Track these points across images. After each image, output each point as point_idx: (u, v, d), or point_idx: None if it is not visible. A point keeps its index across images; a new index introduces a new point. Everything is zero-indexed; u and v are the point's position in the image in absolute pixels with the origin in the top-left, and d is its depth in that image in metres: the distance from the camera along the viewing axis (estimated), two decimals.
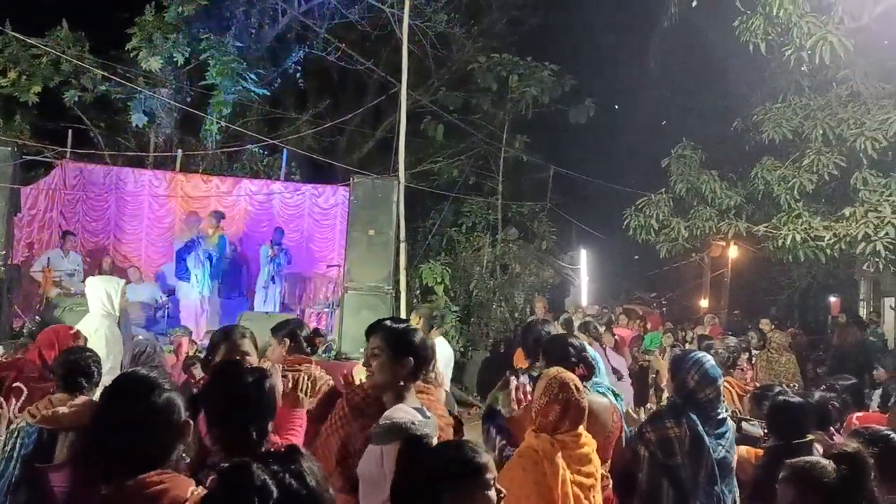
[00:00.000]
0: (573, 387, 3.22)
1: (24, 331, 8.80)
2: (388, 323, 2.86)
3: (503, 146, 14.66)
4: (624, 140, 16.92)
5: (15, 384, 3.59)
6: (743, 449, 4.10)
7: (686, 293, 20.68)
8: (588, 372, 3.61)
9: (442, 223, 14.55)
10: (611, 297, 17.49)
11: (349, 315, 9.30)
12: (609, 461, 3.56)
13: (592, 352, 4.23)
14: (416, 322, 6.89)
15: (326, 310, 11.37)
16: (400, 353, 2.72)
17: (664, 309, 18.12)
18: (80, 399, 3.20)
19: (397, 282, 9.86)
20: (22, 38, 11.25)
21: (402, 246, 9.94)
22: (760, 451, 3.98)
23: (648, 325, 12.71)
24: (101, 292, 5.93)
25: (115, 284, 6.13)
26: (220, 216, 10.84)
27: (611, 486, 3.48)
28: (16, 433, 3.04)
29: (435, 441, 2.48)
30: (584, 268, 15.98)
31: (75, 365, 3.39)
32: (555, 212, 15.47)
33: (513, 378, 3.92)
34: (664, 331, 11.73)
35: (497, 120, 14.83)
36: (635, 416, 4.16)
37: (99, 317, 5.78)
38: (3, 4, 10.64)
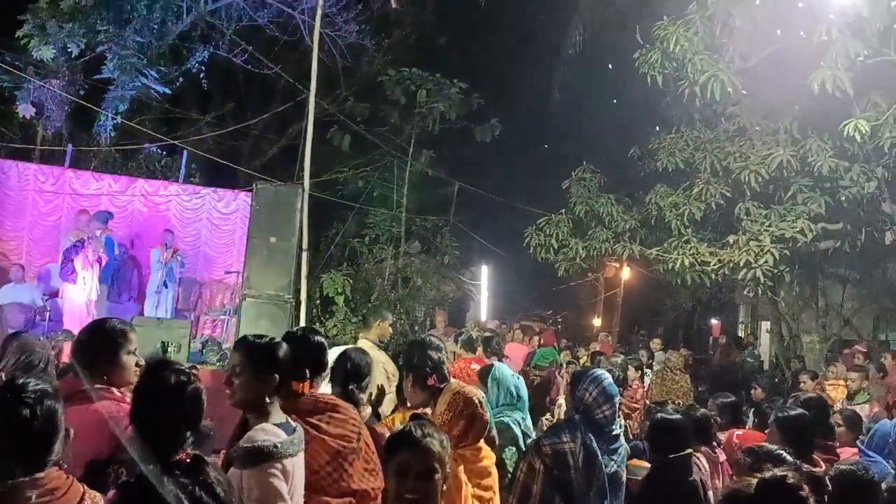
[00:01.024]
0: (476, 401, 3.28)
1: None
2: (249, 338, 2.78)
3: (409, 160, 14.71)
4: (527, 160, 17.36)
5: None
6: (634, 461, 4.29)
7: (581, 311, 21.37)
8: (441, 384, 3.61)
9: (345, 233, 14.45)
10: (509, 314, 17.83)
11: (247, 323, 9.05)
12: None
13: (513, 378, 4.34)
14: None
15: (223, 317, 11.07)
16: (262, 369, 2.62)
17: (559, 326, 18.63)
18: None
19: (298, 291, 9.71)
20: None
21: (304, 255, 9.81)
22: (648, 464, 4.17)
23: (542, 341, 13.04)
24: None
25: None
26: (106, 216, 10.38)
27: None
28: None
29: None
30: (484, 283, 16.23)
31: None
32: (458, 227, 15.65)
33: None
34: (562, 348, 12.07)
35: (404, 133, 14.89)
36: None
37: None
38: None
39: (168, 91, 13.19)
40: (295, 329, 3.27)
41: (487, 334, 7.55)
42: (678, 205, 11.23)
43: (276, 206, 9.59)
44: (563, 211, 12.89)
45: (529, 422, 4.58)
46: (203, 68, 13.88)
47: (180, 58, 13.80)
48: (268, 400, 2.59)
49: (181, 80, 13.74)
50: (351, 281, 13.03)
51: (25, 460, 1.92)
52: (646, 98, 12.46)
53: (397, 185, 15.01)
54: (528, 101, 17.20)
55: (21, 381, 2.02)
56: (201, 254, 12.07)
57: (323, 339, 3.21)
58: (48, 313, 10.02)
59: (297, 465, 2.55)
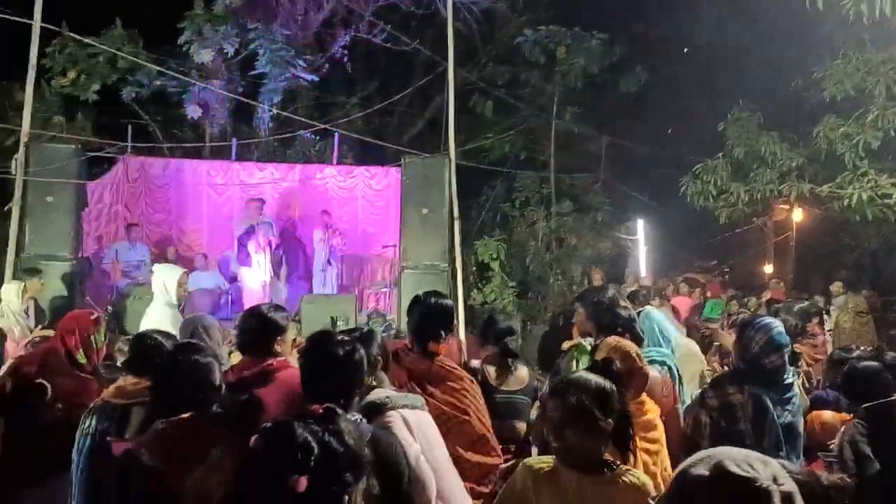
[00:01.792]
0: (634, 355, 3.21)
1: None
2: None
3: (553, 119, 14.48)
4: (677, 106, 16.49)
5: (38, 380, 3.56)
6: (828, 414, 4.04)
7: (749, 260, 20.15)
8: (635, 343, 3.58)
9: (495, 199, 14.51)
10: (671, 267, 17.17)
11: (408, 294, 9.36)
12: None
13: (666, 324, 4.23)
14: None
15: (385, 290, 11.50)
16: None
17: (726, 276, 17.73)
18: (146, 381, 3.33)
19: (453, 259, 9.90)
20: (79, 38, 11.59)
21: (456, 223, 9.96)
22: (846, 417, 3.90)
23: (708, 294, 12.48)
24: (159, 282, 6.08)
25: (173, 274, 6.23)
26: (261, 202, 11.03)
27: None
28: (92, 412, 3.19)
29: None
30: (641, 238, 15.70)
31: (141, 350, 3.52)
32: (609, 182, 15.25)
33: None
34: (727, 298, 11.50)
35: (546, 93, 14.64)
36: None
37: (161, 305, 5.93)
38: (60, 6, 10.93)
39: (316, 78, 13.77)
40: (420, 293, 3.39)
41: (635, 288, 7.33)
42: (851, 135, 10.27)
43: (426, 178, 9.82)
44: (721, 155, 12.19)
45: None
46: (346, 52, 14.33)
47: (324, 45, 14.32)
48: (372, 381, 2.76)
49: (327, 66, 14.27)
50: (504, 245, 13.10)
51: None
52: (803, 25, 11.42)
53: (543, 145, 14.85)
54: (672, 43, 16.30)
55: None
56: (360, 230, 12.57)
57: (449, 302, 3.37)
58: (230, 296, 10.89)
59: (421, 419, 2.65)
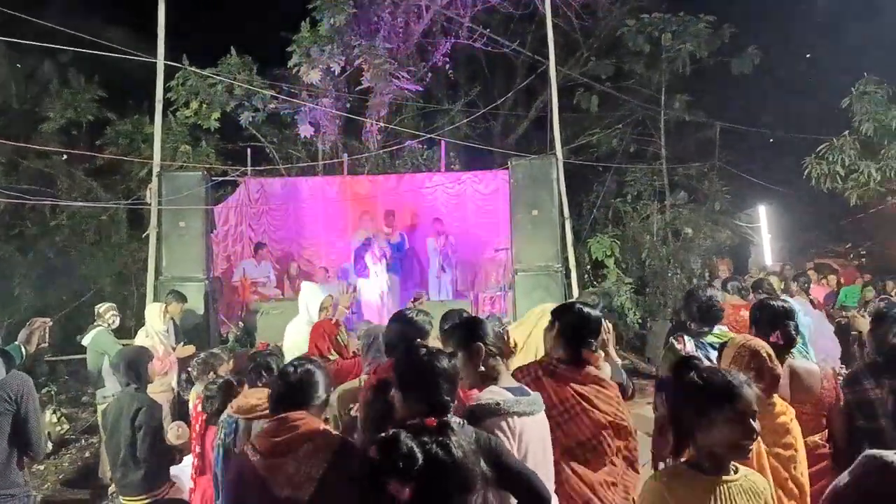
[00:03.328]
0: (765, 354, 3.07)
1: (230, 336, 9.68)
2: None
3: (662, 109, 14.09)
4: (795, 84, 15.63)
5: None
6: None
7: (884, 243, 18.81)
8: (786, 342, 3.42)
9: (606, 195, 14.25)
10: (798, 254, 16.29)
11: (522, 296, 9.39)
12: (826, 429, 3.36)
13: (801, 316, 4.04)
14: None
15: (499, 293, 11.53)
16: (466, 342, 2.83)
17: (862, 260, 16.63)
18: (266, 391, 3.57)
19: (566, 259, 9.80)
20: (198, 71, 12.32)
21: (567, 223, 9.86)
22: None
23: (842, 280, 11.75)
24: (304, 301, 6.35)
25: (318, 295, 6.49)
26: (374, 214, 11.31)
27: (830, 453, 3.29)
28: (221, 426, 3.48)
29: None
30: (764, 225, 14.97)
31: (259, 364, 3.91)
32: (725, 170, 14.64)
33: (678, 342, 3.81)
34: (863, 284, 10.81)
35: (653, 83, 14.27)
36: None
37: (303, 323, 6.19)
38: (180, 41, 11.66)
39: (420, 88, 14.01)
40: (568, 301, 3.38)
41: (758, 277, 7.00)
42: None
43: (534, 179, 9.78)
44: (846, 132, 11.46)
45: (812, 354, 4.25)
46: (447, 60, 14.51)
47: (426, 54, 14.56)
48: (482, 368, 2.75)
49: (430, 75, 14.49)
50: (619, 242, 12.84)
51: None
52: None
53: (653, 136, 14.47)
54: (786, 19, 15.48)
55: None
56: (471, 236, 12.65)
57: (597, 311, 3.27)
58: (351, 307, 11.23)
59: (527, 425, 2.63)
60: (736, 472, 2.22)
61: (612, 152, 14.53)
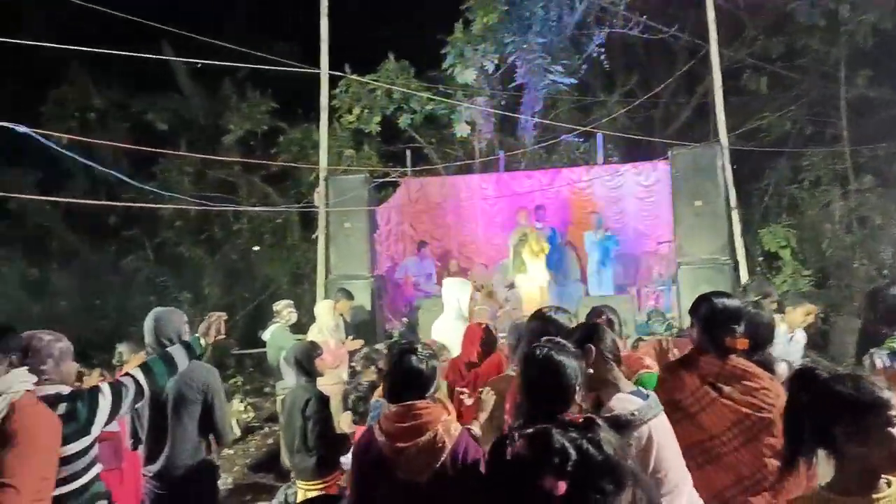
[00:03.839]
0: None
1: (395, 332, 10.07)
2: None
3: (843, 86, 12.98)
4: None
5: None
6: None
7: None
8: None
9: (779, 182, 13.35)
10: None
11: (687, 291, 9.02)
12: None
13: None
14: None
15: (662, 288, 11.14)
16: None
17: None
18: None
19: (734, 251, 9.30)
20: (359, 79, 12.90)
21: (735, 213, 9.36)
22: None
23: None
24: (451, 296, 6.45)
25: (465, 288, 6.58)
26: (531, 210, 11.25)
27: None
28: (371, 408, 3.75)
29: None
30: None
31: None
32: None
33: (875, 357, 3.53)
34: None
35: (830, 59, 13.17)
36: None
37: (452, 318, 6.30)
38: (342, 51, 12.26)
39: (574, 81, 13.82)
40: (706, 292, 3.24)
41: None
42: None
43: (696, 169, 9.37)
44: None
45: None
46: (602, 50, 14.20)
47: (580, 46, 14.33)
48: (591, 371, 2.62)
49: (584, 67, 14.26)
50: (795, 232, 12.00)
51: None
52: None
53: (832, 117, 13.37)
54: None
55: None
56: (631, 229, 12.32)
57: (736, 301, 3.17)
58: (509, 303, 11.28)
59: (654, 426, 2.55)
60: (889, 485, 1.98)
61: (784, 136, 13.58)
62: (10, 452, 2.56)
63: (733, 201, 9.34)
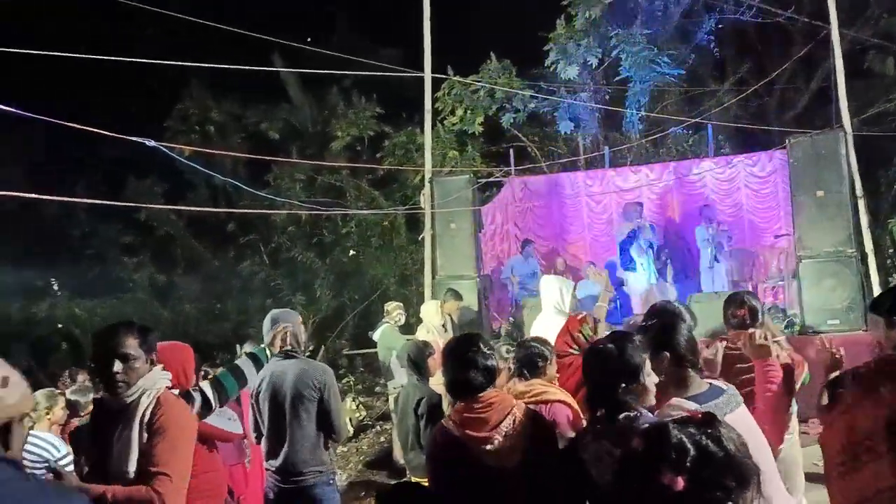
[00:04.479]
0: None
1: (502, 330, 10.08)
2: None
3: None
4: None
5: None
6: None
7: None
8: None
9: None
10: None
11: (809, 285, 8.57)
12: None
13: None
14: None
15: (781, 283, 10.63)
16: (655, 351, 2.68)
17: None
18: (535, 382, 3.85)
19: (861, 243, 8.75)
20: (462, 80, 12.99)
21: (861, 202, 8.80)
22: None
23: None
24: (552, 291, 6.37)
25: (566, 285, 6.49)
26: (636, 208, 10.95)
27: None
28: None
29: None
30: None
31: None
32: None
33: None
34: None
35: None
36: None
37: (551, 314, 6.22)
38: (444, 54, 12.40)
39: (682, 72, 13.41)
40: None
41: None
42: None
43: (817, 157, 8.88)
44: None
45: None
46: (712, 38, 13.72)
47: (688, 36, 13.89)
48: (664, 378, 2.63)
49: (692, 56, 13.80)
50: None
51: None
52: None
53: None
54: None
55: None
56: (746, 222, 11.82)
57: None
58: (618, 301, 11.06)
59: (743, 418, 2.49)
60: None
61: None
62: (162, 443, 2.78)
63: (859, 190, 8.80)
